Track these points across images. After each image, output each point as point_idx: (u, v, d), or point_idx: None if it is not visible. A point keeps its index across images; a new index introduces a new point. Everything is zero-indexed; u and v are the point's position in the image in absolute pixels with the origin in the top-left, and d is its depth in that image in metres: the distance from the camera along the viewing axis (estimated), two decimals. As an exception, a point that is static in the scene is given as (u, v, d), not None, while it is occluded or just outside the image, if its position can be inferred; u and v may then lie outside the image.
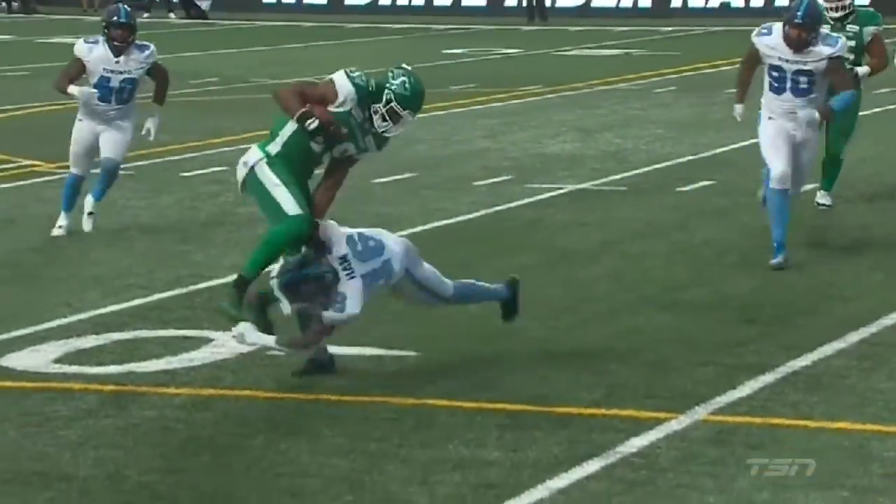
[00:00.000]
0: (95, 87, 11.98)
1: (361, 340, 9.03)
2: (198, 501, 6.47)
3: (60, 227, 12.09)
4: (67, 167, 12.77)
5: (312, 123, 7.74)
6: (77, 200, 12.19)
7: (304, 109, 7.74)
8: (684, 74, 25.93)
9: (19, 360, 8.60)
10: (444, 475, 6.78)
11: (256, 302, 7.83)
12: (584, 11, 39.42)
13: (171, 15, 39.93)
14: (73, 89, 11.97)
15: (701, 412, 7.70)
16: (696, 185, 14.70)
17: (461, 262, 11.45)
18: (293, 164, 7.87)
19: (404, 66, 8.04)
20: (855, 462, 6.90)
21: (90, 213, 12.10)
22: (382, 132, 8.01)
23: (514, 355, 8.80)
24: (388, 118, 7.90)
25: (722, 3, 38.90)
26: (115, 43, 11.93)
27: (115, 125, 12.04)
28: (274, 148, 7.93)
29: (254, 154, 7.94)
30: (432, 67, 27.61)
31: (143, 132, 12.26)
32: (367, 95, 7.84)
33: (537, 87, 23.58)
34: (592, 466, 6.91)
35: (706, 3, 39.08)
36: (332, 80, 7.88)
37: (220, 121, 18.52)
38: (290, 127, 7.86)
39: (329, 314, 7.80)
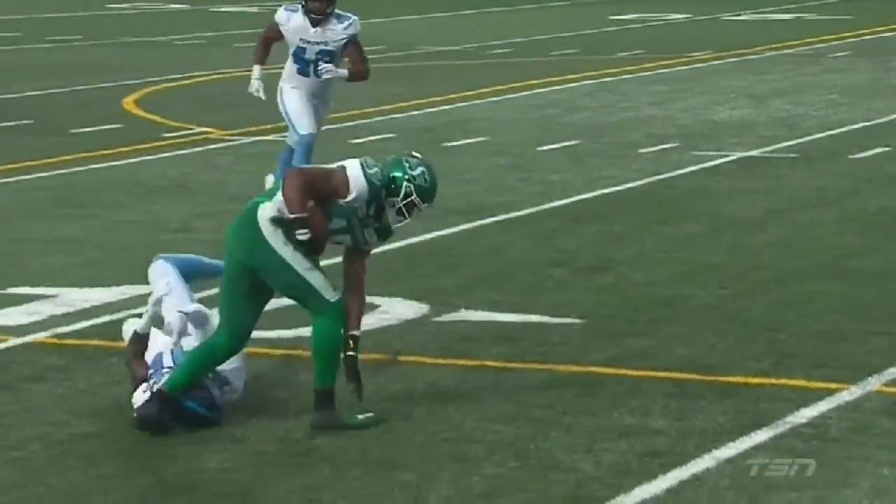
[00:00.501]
0: (293, 56, 11.37)
1: (526, 308, 9.04)
2: (365, 465, 6.54)
3: None
4: (240, 134, 12.92)
5: (304, 235, 6.88)
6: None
7: (303, 214, 6.85)
8: (858, 39, 25.38)
9: (191, 324, 8.77)
10: (610, 443, 6.77)
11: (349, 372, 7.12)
12: (755, -25, 38.73)
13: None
14: (255, 76, 11.53)
15: (874, 383, 7.56)
16: (871, 152, 14.40)
17: (626, 230, 11.40)
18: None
19: (416, 154, 7.22)
20: None
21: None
22: (395, 225, 7.15)
23: (680, 323, 8.73)
24: (404, 212, 7.07)
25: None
26: (312, 15, 11.26)
27: (321, 107, 11.49)
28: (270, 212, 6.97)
29: (265, 217, 6.95)
30: (599, 34, 27.46)
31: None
32: (378, 192, 7.00)
33: (706, 53, 23.29)
34: (760, 436, 6.82)
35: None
36: (346, 174, 6.97)
37: (388, 87, 18.64)
38: None
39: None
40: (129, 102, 18.26)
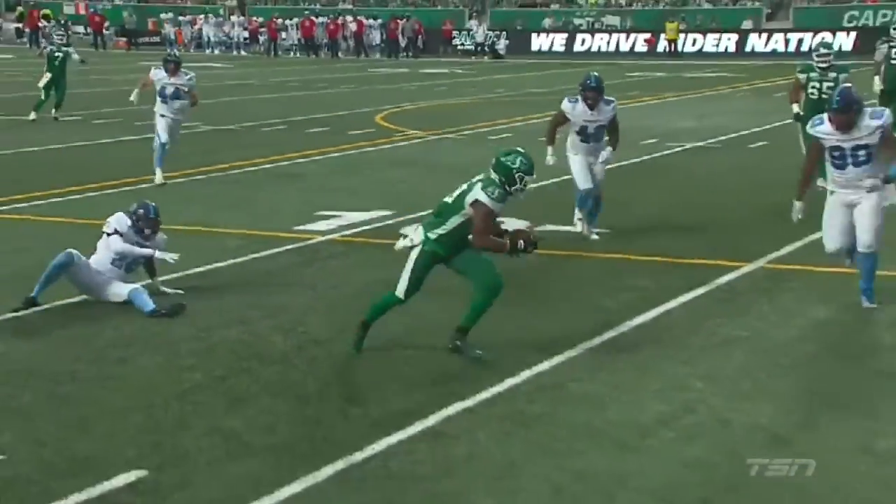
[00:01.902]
0: (576, 132, 8.37)
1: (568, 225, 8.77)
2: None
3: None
4: (434, 134, 12.26)
5: (524, 247, 5.50)
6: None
7: (510, 242, 5.49)
8: (750, 86, 24.26)
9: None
10: (624, 293, 6.58)
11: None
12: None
13: (485, 58, 39.08)
14: (549, 154, 8.39)
15: (760, 262, 7.30)
16: (757, 144, 13.84)
17: (635, 181, 11.05)
18: (450, 243, 5.54)
19: (506, 153, 5.61)
20: None
21: None
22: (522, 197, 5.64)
23: (663, 230, 8.41)
24: (523, 189, 5.58)
25: None
26: (588, 101, 8.26)
27: (594, 163, 8.44)
28: (439, 232, 5.54)
29: (418, 237, 5.61)
30: (615, 84, 26.40)
31: (601, 160, 8.36)
32: (505, 197, 5.54)
33: (673, 94, 22.39)
34: (700, 290, 6.71)
35: None
36: (482, 204, 5.46)
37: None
38: (457, 219, 5.53)
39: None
40: (378, 119, 18.23)
